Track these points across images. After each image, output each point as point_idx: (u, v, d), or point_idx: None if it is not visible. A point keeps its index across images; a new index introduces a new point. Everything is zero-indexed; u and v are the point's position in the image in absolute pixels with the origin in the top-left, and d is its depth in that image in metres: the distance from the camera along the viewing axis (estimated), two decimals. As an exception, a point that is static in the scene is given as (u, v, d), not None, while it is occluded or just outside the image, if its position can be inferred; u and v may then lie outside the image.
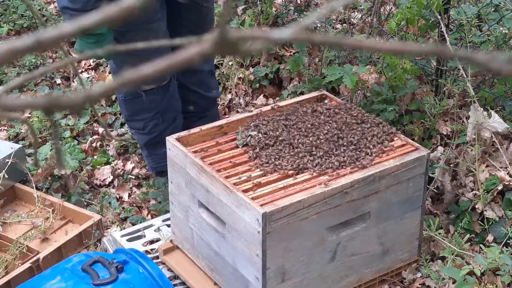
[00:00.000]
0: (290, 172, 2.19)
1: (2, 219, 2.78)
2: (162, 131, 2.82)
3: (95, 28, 0.60)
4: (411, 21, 2.70)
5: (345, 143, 2.30)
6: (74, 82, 3.87)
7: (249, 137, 2.35)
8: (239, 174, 2.19)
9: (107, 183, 3.13)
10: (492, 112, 2.56)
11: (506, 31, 2.86)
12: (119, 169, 3.20)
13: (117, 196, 3.04)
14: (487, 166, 2.58)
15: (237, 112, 3.47)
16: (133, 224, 2.78)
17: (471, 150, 2.55)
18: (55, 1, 4.70)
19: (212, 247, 2.24)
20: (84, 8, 2.46)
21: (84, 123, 3.46)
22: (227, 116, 3.31)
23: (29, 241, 2.64)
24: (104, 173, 3.16)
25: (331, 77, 2.81)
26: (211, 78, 3.10)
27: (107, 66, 3.96)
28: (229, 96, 3.58)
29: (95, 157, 3.26)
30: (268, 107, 2.51)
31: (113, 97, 3.61)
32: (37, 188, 2.86)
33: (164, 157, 2.44)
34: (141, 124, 2.88)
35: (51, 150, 3.05)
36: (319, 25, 3.66)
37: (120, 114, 3.56)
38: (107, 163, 3.23)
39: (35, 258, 2.50)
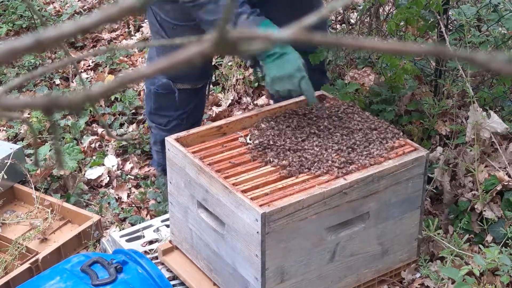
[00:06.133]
0: (290, 172, 2.19)
1: (1, 220, 2.78)
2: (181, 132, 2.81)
3: (95, 28, 0.60)
4: (410, 21, 2.70)
5: (348, 145, 2.30)
6: (73, 82, 3.86)
7: (249, 138, 2.35)
8: (238, 174, 2.19)
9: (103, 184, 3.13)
10: (491, 113, 2.56)
11: (505, 32, 2.87)
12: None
13: (116, 197, 3.04)
14: (486, 166, 2.58)
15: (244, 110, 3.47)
16: (132, 225, 2.78)
17: (470, 150, 2.55)
18: (54, 2, 4.71)
19: (211, 247, 2.24)
20: None
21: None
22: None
23: (28, 241, 2.64)
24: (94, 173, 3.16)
25: None
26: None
27: (106, 66, 3.96)
28: (230, 96, 3.58)
29: (93, 157, 3.26)
30: (269, 107, 2.51)
31: (112, 98, 3.61)
32: (36, 189, 2.86)
33: None
34: (165, 120, 2.88)
35: (50, 150, 3.05)
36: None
37: (119, 115, 3.57)
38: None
39: (34, 259, 2.50)
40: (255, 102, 3.55)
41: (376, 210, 2.23)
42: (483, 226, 2.47)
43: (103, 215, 2.84)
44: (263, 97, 3.55)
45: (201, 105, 2.95)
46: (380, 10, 3.45)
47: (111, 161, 3.23)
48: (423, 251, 2.46)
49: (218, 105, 3.57)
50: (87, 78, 3.89)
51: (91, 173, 3.15)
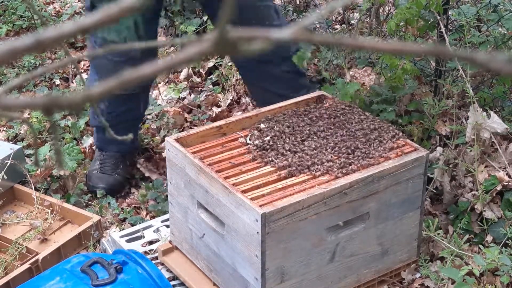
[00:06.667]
0: (290, 173, 2.19)
1: (1, 220, 2.78)
2: (107, 121, 2.89)
3: (95, 29, 0.60)
4: (410, 21, 2.69)
5: (348, 145, 2.30)
6: (73, 83, 3.86)
7: (249, 138, 2.35)
8: (238, 174, 2.19)
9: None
10: (491, 113, 2.56)
11: (505, 32, 2.87)
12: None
13: (116, 197, 3.04)
14: (486, 166, 2.58)
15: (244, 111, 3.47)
16: (132, 225, 2.78)
17: (470, 150, 2.55)
18: (54, 2, 4.71)
19: (211, 247, 2.24)
20: None
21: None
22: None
23: (28, 242, 2.64)
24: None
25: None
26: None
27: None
28: (230, 96, 3.58)
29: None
30: (269, 108, 2.51)
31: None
32: (36, 189, 2.86)
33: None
34: (101, 107, 2.96)
35: (50, 150, 3.04)
36: (318, 26, 3.66)
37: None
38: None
39: (34, 259, 2.50)
40: (254, 102, 3.55)
41: (376, 211, 2.23)
42: (483, 226, 2.47)
43: (103, 216, 2.84)
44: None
45: (136, 111, 2.99)
46: (380, 11, 3.45)
47: (111, 161, 3.22)
48: (423, 251, 2.46)
49: (218, 106, 3.57)
50: (87, 78, 3.88)
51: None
